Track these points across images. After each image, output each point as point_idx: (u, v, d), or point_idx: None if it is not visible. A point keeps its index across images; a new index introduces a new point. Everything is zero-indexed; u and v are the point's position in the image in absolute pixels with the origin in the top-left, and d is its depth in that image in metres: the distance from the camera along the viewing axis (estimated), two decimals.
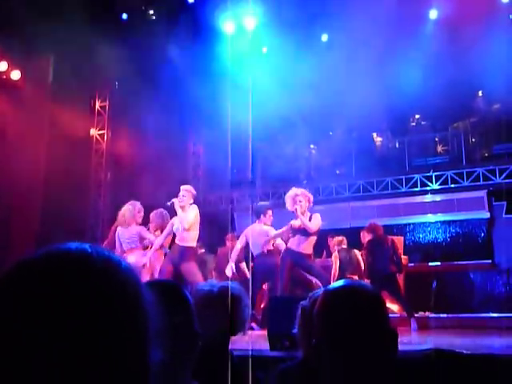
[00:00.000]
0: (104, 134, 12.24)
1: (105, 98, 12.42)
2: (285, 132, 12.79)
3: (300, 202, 7.22)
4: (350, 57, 10.84)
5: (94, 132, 12.30)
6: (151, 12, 11.78)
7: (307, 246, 7.17)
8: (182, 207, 7.14)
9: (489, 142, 11.15)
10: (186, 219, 6.92)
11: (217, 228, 9.80)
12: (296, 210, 7.13)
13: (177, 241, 7.01)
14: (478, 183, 10.64)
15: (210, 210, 12.79)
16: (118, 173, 11.68)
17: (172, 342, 1.42)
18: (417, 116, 12.50)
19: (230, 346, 2.31)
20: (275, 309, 5.37)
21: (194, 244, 6.99)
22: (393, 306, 8.14)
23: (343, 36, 11.39)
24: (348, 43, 11.07)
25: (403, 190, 11.12)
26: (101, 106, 12.42)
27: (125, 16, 11.91)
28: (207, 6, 10.56)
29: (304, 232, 7.13)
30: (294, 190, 7.40)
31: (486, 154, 11.18)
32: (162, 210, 7.70)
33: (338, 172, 12.42)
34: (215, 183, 12.80)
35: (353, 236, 9.47)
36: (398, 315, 8.00)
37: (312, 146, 13.30)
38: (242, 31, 11.50)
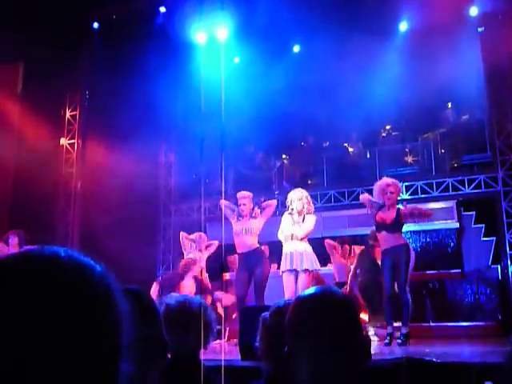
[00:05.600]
0: (74, 143, 12.09)
1: (75, 107, 12.28)
2: (257, 142, 12.83)
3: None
4: (322, 68, 10.94)
5: (64, 141, 12.14)
6: (123, 21, 11.70)
7: None
8: (246, 215, 7.73)
9: (458, 152, 11.30)
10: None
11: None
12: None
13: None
14: (448, 193, 10.78)
15: (182, 219, 12.73)
16: (90, 183, 11.54)
17: (141, 352, 1.40)
18: (387, 127, 12.63)
19: (201, 357, 2.29)
20: (245, 318, 5.35)
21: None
22: (364, 316, 8.17)
23: (315, 47, 11.52)
24: (320, 54, 11.18)
25: (373, 199, 11.21)
26: (71, 115, 12.27)
27: (96, 25, 11.84)
28: (179, 17, 10.56)
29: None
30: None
31: (456, 165, 11.34)
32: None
33: (309, 182, 12.47)
34: (187, 193, 12.73)
35: (324, 247, 9.51)
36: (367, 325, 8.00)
37: (284, 156, 13.34)
38: (214, 42, 11.51)
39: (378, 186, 7.37)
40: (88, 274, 0.73)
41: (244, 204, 7.79)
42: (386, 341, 6.81)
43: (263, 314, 2.16)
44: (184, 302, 2.15)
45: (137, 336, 0.87)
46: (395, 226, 7.04)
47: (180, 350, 1.79)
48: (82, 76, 12.05)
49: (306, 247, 6.93)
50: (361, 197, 7.68)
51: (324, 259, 9.49)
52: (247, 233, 7.61)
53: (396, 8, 10.86)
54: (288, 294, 6.80)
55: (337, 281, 8.97)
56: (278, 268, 7.38)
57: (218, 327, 8.03)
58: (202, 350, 2.20)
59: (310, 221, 6.99)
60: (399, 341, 6.69)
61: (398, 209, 7.17)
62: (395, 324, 6.97)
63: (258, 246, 7.71)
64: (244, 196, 7.90)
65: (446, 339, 7.18)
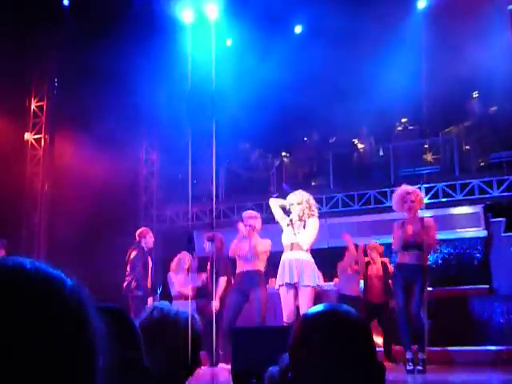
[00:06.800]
0: (41, 138, 12.08)
1: (42, 97, 12.26)
2: (253, 137, 12.84)
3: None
4: (327, 52, 10.96)
5: (28, 136, 12.13)
6: None
7: None
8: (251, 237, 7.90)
9: (485, 149, 11.34)
10: None
11: (173, 248, 9.73)
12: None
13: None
14: (474, 197, 10.80)
15: (166, 227, 12.73)
16: (58, 183, 11.53)
17: (118, 379, 1.39)
18: (403, 120, 12.66)
19: None
20: (240, 341, 5.34)
21: None
22: (378, 339, 8.18)
23: (320, 28, 11.55)
24: (325, 36, 11.21)
25: (388, 204, 11.20)
26: (37, 106, 12.26)
27: (66, 2, 11.80)
28: None
29: None
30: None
31: (482, 164, 11.37)
32: None
33: (313, 183, 12.49)
34: (172, 196, 12.73)
35: (331, 258, 9.52)
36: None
37: (284, 154, 13.36)
38: (203, 21, 11.52)
39: (396, 194, 7.47)
40: (57, 288, 0.72)
41: (250, 225, 7.90)
42: (409, 367, 6.89)
43: (270, 369, 1.95)
44: (165, 316, 2.12)
45: (113, 360, 0.86)
46: (423, 242, 7.15)
47: (162, 377, 1.77)
48: (51, 61, 12.04)
49: (308, 258, 6.86)
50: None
51: (330, 272, 9.51)
52: (252, 257, 7.82)
53: None
54: (287, 313, 6.77)
55: (342, 293, 9.01)
56: None
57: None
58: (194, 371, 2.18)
59: (313, 225, 6.84)
60: (419, 367, 6.75)
61: (423, 219, 7.24)
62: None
63: (260, 268, 7.95)
64: (251, 216, 8.05)
65: (469, 366, 7.19)
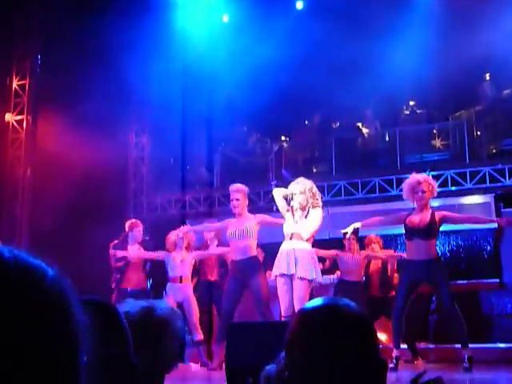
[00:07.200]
0: (23, 119, 12.04)
1: (24, 75, 12.21)
2: (250, 120, 12.82)
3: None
4: (331, 29, 10.92)
5: (9, 117, 12.08)
6: None
7: None
8: (240, 214, 7.79)
9: (497, 135, 11.34)
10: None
11: (164, 239, 9.73)
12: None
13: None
14: (484, 185, 10.81)
15: (156, 215, 12.72)
16: (41, 168, 11.49)
17: (104, 376, 1.39)
18: (411, 103, 12.64)
19: None
20: (234, 338, 5.35)
21: None
22: (381, 336, 8.22)
23: (323, 3, 11.50)
24: (328, 13, 11.16)
25: (394, 192, 11.23)
26: (19, 85, 12.20)
27: None
28: None
29: None
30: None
31: (494, 151, 11.38)
32: None
33: (314, 170, 12.49)
34: (163, 182, 12.72)
35: (332, 249, 9.53)
36: (388, 346, 8.06)
37: (283, 138, 13.34)
38: None
39: (407, 184, 7.46)
40: (38, 278, 0.72)
41: (237, 199, 7.81)
42: (391, 365, 6.92)
43: (267, 368, 1.71)
44: (145, 310, 2.12)
45: (99, 356, 0.86)
46: (430, 231, 7.14)
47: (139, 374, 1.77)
48: (33, 36, 11.97)
49: (308, 249, 6.83)
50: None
51: (330, 266, 9.52)
52: (241, 236, 7.66)
53: None
54: (284, 306, 6.77)
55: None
56: None
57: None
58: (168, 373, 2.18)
59: (316, 216, 6.83)
60: (466, 365, 6.81)
61: (433, 210, 7.25)
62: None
63: (254, 253, 7.85)
64: (238, 189, 7.91)
65: (479, 364, 7.20)
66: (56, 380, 0.70)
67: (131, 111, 12.79)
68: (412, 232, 7.22)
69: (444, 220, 7.28)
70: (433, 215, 7.19)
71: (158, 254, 8.74)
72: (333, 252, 9.03)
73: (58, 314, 0.72)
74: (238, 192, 7.87)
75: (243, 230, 7.68)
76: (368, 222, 7.86)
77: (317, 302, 1.43)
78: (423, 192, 7.24)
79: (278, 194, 6.98)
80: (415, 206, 7.40)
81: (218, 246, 9.03)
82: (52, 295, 0.72)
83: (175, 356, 2.12)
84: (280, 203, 6.95)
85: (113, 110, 10.76)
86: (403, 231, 7.47)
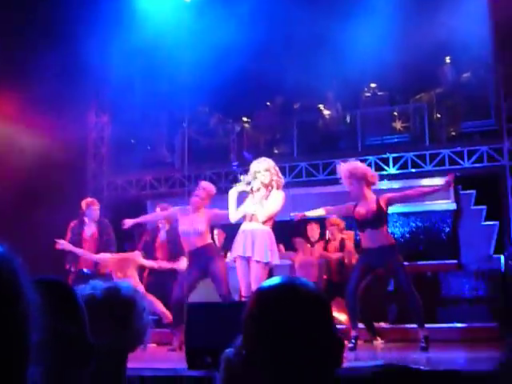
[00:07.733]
0: None
1: None
2: (212, 100, 12.75)
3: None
4: (292, 10, 10.90)
5: None
6: None
7: None
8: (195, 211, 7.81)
9: (457, 118, 11.46)
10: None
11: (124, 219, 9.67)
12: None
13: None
14: (443, 167, 10.92)
15: (116, 195, 12.63)
16: None
17: (59, 355, 1.38)
18: (372, 85, 12.69)
19: (133, 365, 2.27)
20: (193, 318, 5.36)
21: None
22: (341, 316, 8.28)
23: None
24: None
25: None
26: None
27: None
28: None
29: None
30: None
31: (454, 133, 11.50)
32: None
33: (276, 151, 12.49)
34: (123, 163, 12.61)
35: (294, 231, 9.57)
36: (346, 326, 8.14)
37: (245, 120, 13.31)
38: None
39: (343, 170, 7.44)
40: None
41: (202, 199, 7.85)
42: (351, 345, 7.05)
43: (227, 351, 1.64)
44: (111, 290, 2.11)
45: (52, 335, 0.85)
46: (379, 219, 7.21)
47: (103, 353, 1.76)
48: None
49: (265, 231, 6.83)
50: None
51: (291, 247, 9.56)
52: (196, 233, 7.70)
53: None
54: (243, 287, 6.82)
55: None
56: None
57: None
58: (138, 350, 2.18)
59: (277, 198, 6.83)
60: (423, 345, 6.91)
61: (377, 196, 7.31)
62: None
63: (210, 241, 7.92)
64: (205, 188, 7.92)
65: (436, 343, 7.31)
66: (5, 358, 0.69)
67: (90, 91, 12.58)
68: (362, 224, 7.31)
69: (389, 203, 7.35)
70: (378, 202, 7.25)
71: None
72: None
73: (6, 292, 0.71)
74: (205, 191, 7.88)
75: (197, 229, 7.69)
76: (317, 211, 7.90)
77: (274, 280, 1.43)
78: (358, 181, 7.30)
79: (235, 192, 6.99)
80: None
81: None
82: (1, 272, 0.71)
83: (140, 336, 2.13)
84: (232, 206, 6.97)
85: (70, 88, 10.55)
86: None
